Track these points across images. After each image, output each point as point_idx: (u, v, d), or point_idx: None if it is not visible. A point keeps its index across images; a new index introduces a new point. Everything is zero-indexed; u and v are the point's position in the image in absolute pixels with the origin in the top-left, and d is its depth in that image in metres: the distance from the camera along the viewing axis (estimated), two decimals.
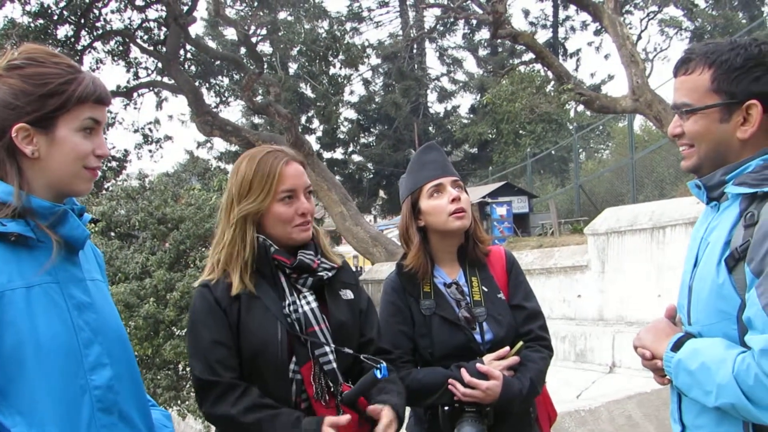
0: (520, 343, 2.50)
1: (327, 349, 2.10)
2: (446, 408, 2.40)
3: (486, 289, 2.56)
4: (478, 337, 2.49)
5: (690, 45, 1.91)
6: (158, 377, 12.61)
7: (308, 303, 2.14)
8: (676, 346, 1.81)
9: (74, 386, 1.62)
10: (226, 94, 22.59)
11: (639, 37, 28.54)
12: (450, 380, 2.39)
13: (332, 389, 2.08)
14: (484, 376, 2.36)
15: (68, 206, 1.70)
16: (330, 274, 2.22)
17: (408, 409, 2.63)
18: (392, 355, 2.30)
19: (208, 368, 2.07)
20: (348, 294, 2.26)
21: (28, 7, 16.99)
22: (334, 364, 2.09)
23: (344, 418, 1.99)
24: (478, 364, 2.38)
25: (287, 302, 2.14)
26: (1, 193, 1.63)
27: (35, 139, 1.66)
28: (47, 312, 1.61)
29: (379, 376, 2.04)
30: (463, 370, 2.38)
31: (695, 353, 1.75)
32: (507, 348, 2.46)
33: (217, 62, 21.33)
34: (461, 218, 2.53)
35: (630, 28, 23.20)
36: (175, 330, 12.11)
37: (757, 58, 1.77)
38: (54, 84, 1.67)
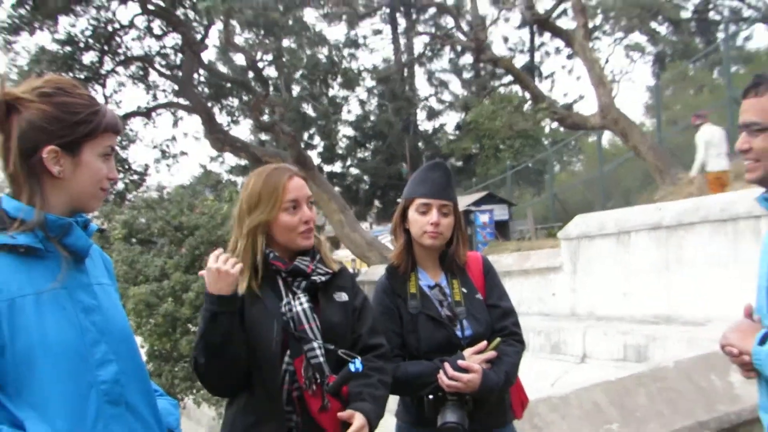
0: (498, 339, 2.52)
1: (315, 344, 2.12)
2: (431, 396, 2.42)
3: (465, 291, 2.59)
4: (459, 333, 2.51)
5: (761, 73, 1.92)
6: (176, 369, 12.60)
7: (301, 304, 2.16)
8: (763, 341, 1.80)
9: (82, 382, 1.62)
10: (236, 114, 22.54)
11: (606, 61, 28.71)
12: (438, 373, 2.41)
13: (319, 380, 2.10)
14: (465, 369, 2.38)
15: (73, 219, 1.71)
16: (324, 278, 2.24)
17: (396, 398, 2.66)
18: (383, 349, 2.30)
19: None
20: (343, 296, 2.27)
21: (56, 36, 17.02)
22: (321, 359, 2.11)
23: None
24: (459, 361, 2.40)
25: (284, 302, 2.17)
26: (13, 209, 1.64)
27: (62, 161, 1.67)
28: (56, 316, 1.62)
29: (352, 369, 2.05)
30: (446, 365, 2.40)
31: None
32: (485, 342, 2.48)
33: (228, 85, 21.29)
34: (433, 238, 2.56)
35: (598, 53, 23.29)
36: (191, 327, 12.11)
37: None
38: (84, 113, 1.69)
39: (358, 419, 2.04)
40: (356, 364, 2.07)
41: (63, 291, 1.65)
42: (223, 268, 2.00)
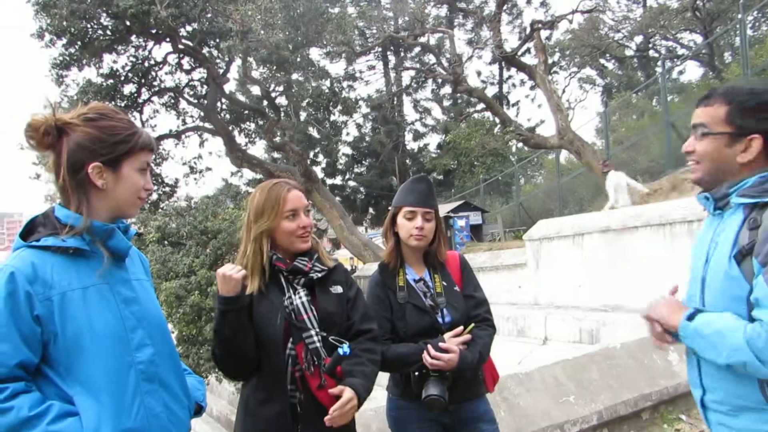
0: (472, 324, 2.52)
1: (312, 332, 2.11)
2: (416, 373, 2.42)
3: (445, 284, 2.58)
4: (440, 320, 2.51)
5: (715, 87, 1.87)
6: (201, 351, 12.52)
7: (300, 298, 2.15)
8: (691, 318, 1.76)
9: (122, 362, 1.63)
10: (253, 136, 22.43)
11: (563, 91, 28.66)
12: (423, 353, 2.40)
13: (317, 362, 2.10)
14: (446, 350, 2.38)
15: (115, 224, 1.71)
16: (320, 275, 2.22)
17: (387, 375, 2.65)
18: (373, 332, 2.29)
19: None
20: (338, 289, 2.25)
21: (101, 70, 16.98)
22: (318, 344, 2.10)
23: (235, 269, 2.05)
24: (440, 343, 2.40)
25: (286, 297, 2.16)
26: (64, 217, 1.65)
27: (105, 175, 1.67)
28: (100, 306, 1.62)
29: (341, 353, 2.05)
30: (429, 346, 2.39)
31: (708, 323, 1.71)
32: (462, 327, 2.48)
33: (246, 111, 21.24)
34: (418, 240, 2.56)
35: (556, 85, 23.37)
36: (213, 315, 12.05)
37: (767, 104, 1.75)
38: (123, 135, 1.70)
39: (347, 393, 2.04)
40: (344, 348, 2.06)
41: (105, 285, 1.65)
42: (228, 273, 2.02)
